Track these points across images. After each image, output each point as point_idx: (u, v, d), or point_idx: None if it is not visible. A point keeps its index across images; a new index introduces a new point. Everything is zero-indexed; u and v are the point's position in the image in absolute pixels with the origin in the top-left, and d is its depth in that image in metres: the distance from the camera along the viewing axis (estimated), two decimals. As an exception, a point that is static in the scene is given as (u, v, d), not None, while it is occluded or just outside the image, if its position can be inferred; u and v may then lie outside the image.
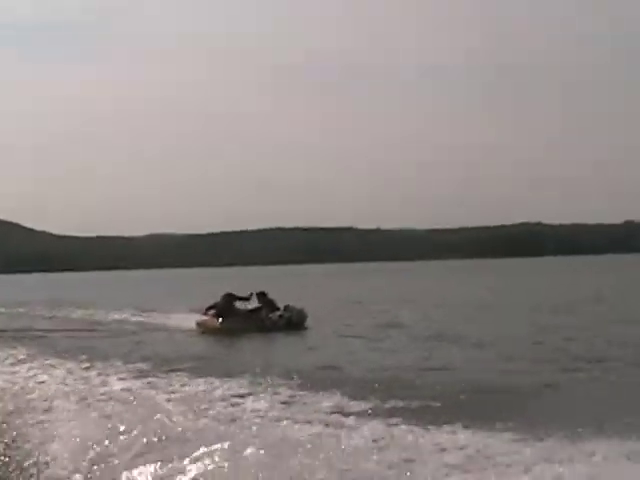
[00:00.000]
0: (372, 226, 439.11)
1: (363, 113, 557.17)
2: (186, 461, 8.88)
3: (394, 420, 11.00)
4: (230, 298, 25.90)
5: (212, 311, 25.45)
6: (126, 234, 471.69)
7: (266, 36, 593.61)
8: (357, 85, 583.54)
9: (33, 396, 14.42)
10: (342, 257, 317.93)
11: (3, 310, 44.54)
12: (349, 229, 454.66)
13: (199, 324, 25.11)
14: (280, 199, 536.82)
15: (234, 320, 24.75)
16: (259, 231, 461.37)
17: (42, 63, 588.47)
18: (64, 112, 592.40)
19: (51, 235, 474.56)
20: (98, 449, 10.16)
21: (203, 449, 9.00)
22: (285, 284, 70.81)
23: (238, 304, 25.79)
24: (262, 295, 26.87)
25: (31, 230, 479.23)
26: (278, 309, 26.17)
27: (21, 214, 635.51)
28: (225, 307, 25.23)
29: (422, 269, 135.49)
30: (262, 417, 11.52)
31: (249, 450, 8.84)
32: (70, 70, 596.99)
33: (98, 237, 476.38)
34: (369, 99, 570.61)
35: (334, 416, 11.55)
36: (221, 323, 24.45)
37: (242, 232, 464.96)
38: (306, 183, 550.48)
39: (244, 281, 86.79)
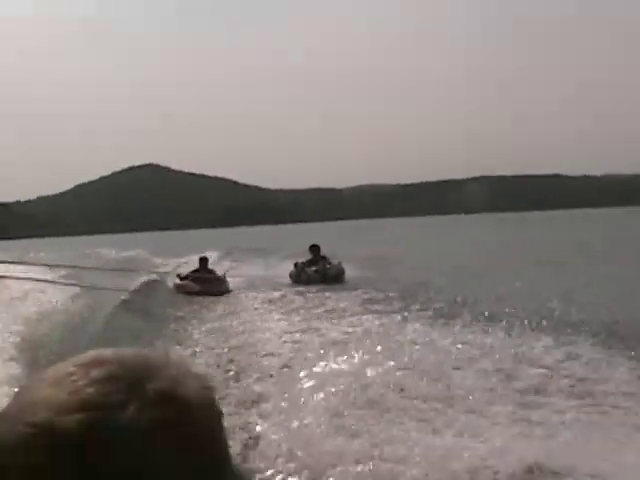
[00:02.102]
0: (578, 173, 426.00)
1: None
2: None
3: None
4: (204, 262, 26.03)
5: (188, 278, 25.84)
6: (335, 185, 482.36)
7: None
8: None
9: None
10: (547, 204, 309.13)
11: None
12: (555, 176, 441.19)
13: (178, 286, 25.44)
14: (485, 148, 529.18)
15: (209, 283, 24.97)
16: (465, 180, 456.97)
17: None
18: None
19: (260, 189, 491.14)
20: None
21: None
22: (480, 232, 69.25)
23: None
24: (314, 248, 26.58)
25: (243, 185, 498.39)
26: (330, 264, 26.29)
27: (233, 170, 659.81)
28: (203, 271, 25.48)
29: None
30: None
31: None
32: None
33: (307, 189, 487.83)
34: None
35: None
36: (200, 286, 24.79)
37: (449, 181, 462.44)
38: (509, 133, 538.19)
39: (451, 229, 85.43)
